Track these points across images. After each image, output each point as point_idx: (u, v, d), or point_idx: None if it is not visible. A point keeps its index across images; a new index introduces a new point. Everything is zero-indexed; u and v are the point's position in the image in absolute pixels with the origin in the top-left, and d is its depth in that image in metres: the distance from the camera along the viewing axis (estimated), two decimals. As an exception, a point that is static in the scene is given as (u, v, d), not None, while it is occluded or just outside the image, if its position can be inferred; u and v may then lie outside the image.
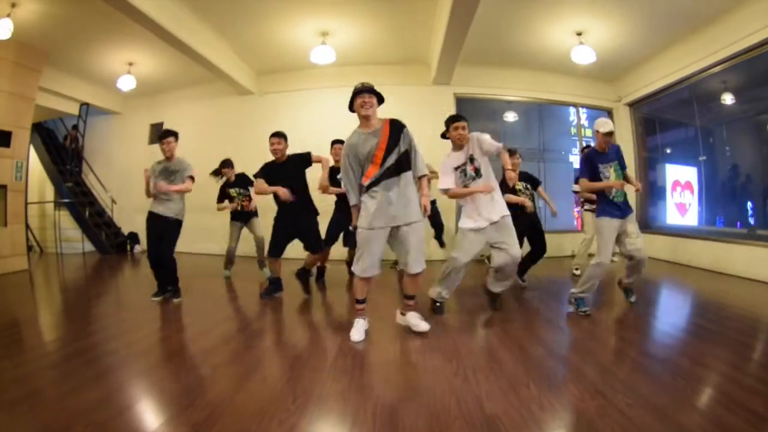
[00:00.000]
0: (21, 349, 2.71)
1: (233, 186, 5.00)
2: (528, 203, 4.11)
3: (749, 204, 5.65)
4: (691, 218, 6.34)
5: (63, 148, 8.74)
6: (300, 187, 3.85)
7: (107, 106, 8.01)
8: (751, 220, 5.52)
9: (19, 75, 5.68)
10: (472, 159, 3.19)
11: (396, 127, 2.72)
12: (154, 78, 7.01)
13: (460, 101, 6.68)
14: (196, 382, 2.20)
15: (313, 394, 2.04)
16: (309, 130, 6.29)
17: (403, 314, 3.03)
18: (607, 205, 3.29)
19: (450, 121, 3.30)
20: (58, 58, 6.23)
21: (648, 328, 3.19)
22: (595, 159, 3.29)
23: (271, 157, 3.92)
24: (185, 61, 5.77)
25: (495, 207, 3.21)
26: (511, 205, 3.58)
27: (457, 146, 3.27)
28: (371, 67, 6.42)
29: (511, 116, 7.09)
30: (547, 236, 4.33)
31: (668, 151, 6.82)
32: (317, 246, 3.98)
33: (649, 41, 5.73)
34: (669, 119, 6.71)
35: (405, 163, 2.72)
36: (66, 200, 7.87)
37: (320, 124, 6.40)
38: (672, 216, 6.48)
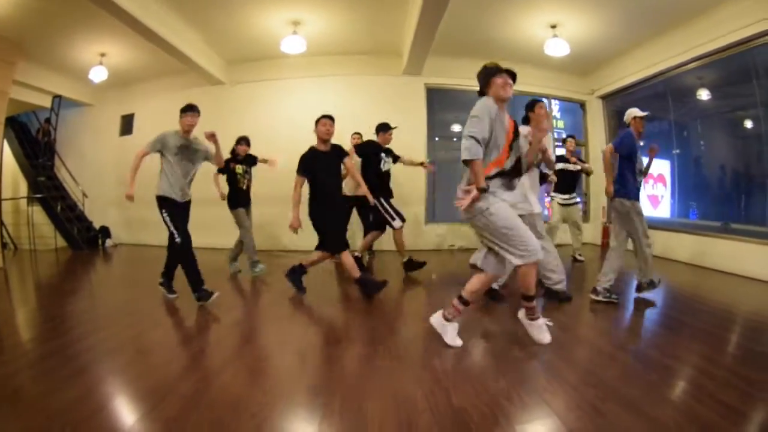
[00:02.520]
0: None
1: (241, 162, 4.70)
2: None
3: (723, 198, 5.73)
4: (664, 210, 6.40)
5: (36, 142, 8.55)
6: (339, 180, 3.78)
7: (79, 97, 7.84)
8: (724, 214, 5.58)
9: None
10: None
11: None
12: (126, 69, 6.87)
13: (431, 91, 6.67)
14: (170, 376, 2.19)
15: (283, 388, 2.04)
16: (279, 120, 6.28)
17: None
18: (634, 188, 3.46)
19: (534, 102, 3.36)
20: (31, 50, 6.09)
21: (620, 320, 3.19)
22: (635, 143, 3.48)
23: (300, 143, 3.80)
24: (156, 51, 5.66)
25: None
26: None
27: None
28: (342, 57, 6.38)
29: None
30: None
31: (641, 144, 6.86)
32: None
33: (624, 36, 5.76)
34: (650, 114, 6.76)
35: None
36: (39, 195, 7.71)
37: (290, 115, 6.35)
38: (644, 208, 6.51)
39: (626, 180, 3.45)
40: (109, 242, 7.53)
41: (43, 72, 7.00)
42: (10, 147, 8.15)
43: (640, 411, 1.73)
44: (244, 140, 4.77)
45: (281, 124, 5.79)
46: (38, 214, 7.79)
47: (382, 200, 4.49)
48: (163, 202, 3.42)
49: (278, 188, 4.79)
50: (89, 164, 7.88)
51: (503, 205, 2.35)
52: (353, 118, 6.19)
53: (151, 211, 4.99)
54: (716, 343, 2.61)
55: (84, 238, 7.50)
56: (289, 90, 6.61)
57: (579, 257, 5.51)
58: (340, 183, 3.85)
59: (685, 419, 1.67)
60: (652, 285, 3.60)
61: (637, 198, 3.48)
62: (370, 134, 4.75)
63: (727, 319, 3.16)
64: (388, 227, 4.61)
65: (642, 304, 3.57)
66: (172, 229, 3.40)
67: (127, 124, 7.82)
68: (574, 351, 2.50)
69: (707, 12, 4.88)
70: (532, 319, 2.55)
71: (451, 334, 2.51)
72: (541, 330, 2.53)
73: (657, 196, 6.47)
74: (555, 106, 7.20)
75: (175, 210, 3.42)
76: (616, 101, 6.89)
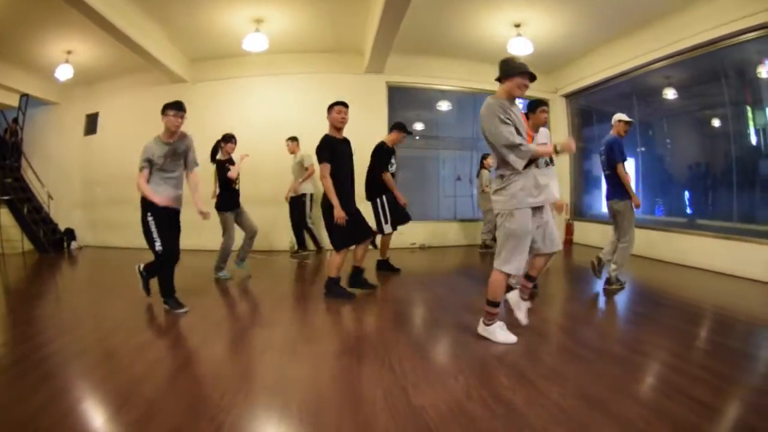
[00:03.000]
0: None
1: (232, 163, 4.50)
2: None
3: (687, 195, 5.83)
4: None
5: (3, 143, 8.37)
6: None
7: (46, 96, 7.68)
8: (690, 210, 5.69)
9: None
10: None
11: None
12: (92, 66, 6.75)
13: (392, 90, 6.68)
14: (132, 380, 2.18)
15: (240, 390, 2.02)
16: (240, 118, 6.22)
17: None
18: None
19: (538, 104, 3.52)
20: None
21: (583, 316, 3.20)
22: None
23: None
24: (121, 48, 5.57)
25: None
26: None
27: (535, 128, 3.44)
28: (304, 55, 6.37)
29: (444, 105, 7.12)
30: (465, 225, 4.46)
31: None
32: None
33: (589, 35, 5.85)
34: (607, 111, 6.87)
35: None
36: (6, 197, 7.54)
37: (252, 113, 6.33)
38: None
39: (622, 185, 3.80)
40: (74, 245, 7.38)
41: (11, 70, 6.86)
42: (-22, 149, 8.00)
43: (605, 408, 1.71)
44: (233, 138, 4.54)
45: (243, 123, 5.72)
46: (5, 216, 7.62)
47: (385, 200, 4.44)
48: (151, 207, 3.13)
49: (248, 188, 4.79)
50: (55, 165, 7.73)
51: (526, 214, 2.42)
52: (315, 116, 6.15)
53: (116, 212, 5.01)
54: (684, 338, 2.61)
55: (50, 241, 7.35)
56: (251, 88, 6.58)
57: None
58: (353, 174, 3.67)
59: (654, 416, 1.65)
60: (619, 283, 3.76)
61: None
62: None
63: (695, 314, 3.18)
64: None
65: (607, 300, 3.62)
66: (155, 236, 3.14)
67: (91, 123, 7.68)
68: (535, 348, 2.48)
69: (673, 14, 4.99)
70: (488, 324, 2.58)
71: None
72: (503, 330, 2.55)
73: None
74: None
75: (162, 215, 3.16)
76: (579, 100, 7.00)
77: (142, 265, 3.59)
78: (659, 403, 1.78)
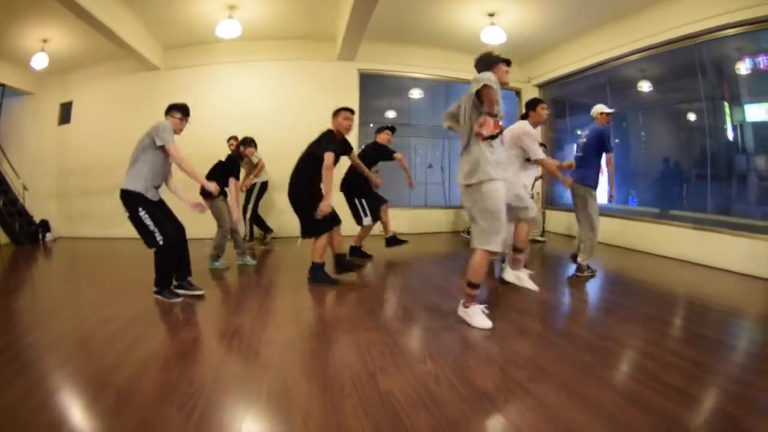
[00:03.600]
0: None
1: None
2: None
3: (662, 186, 5.93)
4: (601, 197, 6.57)
5: (-22, 135, 8.25)
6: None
7: (21, 86, 7.53)
8: (664, 202, 5.75)
9: None
10: None
11: None
12: (67, 55, 6.66)
13: (364, 77, 6.71)
14: (104, 369, 2.18)
15: (208, 377, 2.03)
16: (214, 105, 6.21)
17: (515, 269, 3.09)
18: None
19: (538, 101, 3.63)
20: None
21: (554, 303, 3.20)
22: None
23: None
24: (95, 36, 5.50)
25: None
26: None
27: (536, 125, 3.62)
28: (277, 42, 6.37)
29: (416, 93, 7.17)
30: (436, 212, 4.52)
31: (579, 132, 7.06)
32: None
33: (563, 26, 5.92)
34: (580, 102, 6.96)
35: None
36: (-21, 190, 7.44)
37: (225, 100, 6.32)
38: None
39: (599, 173, 3.99)
40: (49, 236, 7.28)
41: None
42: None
43: (573, 391, 1.72)
44: (252, 142, 4.57)
45: (216, 110, 5.72)
46: (-20, 209, 7.53)
47: (363, 201, 4.50)
48: (140, 200, 3.02)
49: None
50: (29, 156, 7.59)
51: (501, 186, 2.49)
52: (288, 102, 6.19)
53: (90, 203, 4.95)
54: (658, 326, 2.62)
55: (25, 233, 7.26)
56: (225, 75, 6.56)
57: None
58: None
59: (626, 401, 1.65)
60: (590, 270, 3.87)
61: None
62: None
63: (669, 303, 3.20)
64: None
65: (580, 288, 3.63)
66: (153, 228, 3.03)
67: (65, 113, 7.55)
68: (504, 334, 2.47)
69: (650, 7, 5.06)
70: (466, 306, 2.60)
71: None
72: (480, 315, 2.55)
73: (594, 183, 6.65)
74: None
75: (154, 206, 3.10)
76: (552, 90, 7.08)
77: (154, 288, 3.30)
78: (632, 389, 1.78)
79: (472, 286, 2.55)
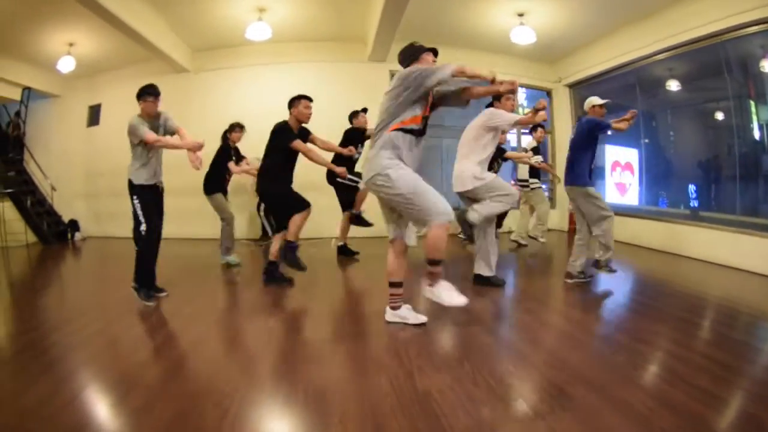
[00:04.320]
0: None
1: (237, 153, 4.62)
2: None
3: (692, 187, 5.82)
4: (632, 198, 6.50)
5: (5, 137, 8.39)
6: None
7: (48, 89, 7.68)
8: (694, 203, 5.65)
9: None
10: None
11: None
12: (94, 58, 6.77)
13: None
14: (134, 367, 2.17)
15: (245, 376, 2.02)
16: (244, 107, 6.20)
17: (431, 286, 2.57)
18: (591, 174, 3.56)
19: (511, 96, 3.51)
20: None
21: (587, 304, 3.17)
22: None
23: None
24: (123, 39, 5.56)
25: None
26: None
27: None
28: (307, 43, 6.36)
29: None
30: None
31: (609, 132, 6.95)
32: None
33: (593, 25, 5.81)
34: (611, 102, 6.84)
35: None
36: (9, 190, 7.57)
37: (255, 102, 6.30)
38: (611, 195, 6.63)
39: (588, 169, 3.58)
40: (78, 236, 7.41)
41: (13, 64, 6.87)
42: (-20, 142, 8.01)
43: (608, 394, 1.71)
44: (236, 127, 4.56)
45: (246, 112, 5.68)
46: (9, 210, 7.65)
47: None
48: (137, 189, 3.23)
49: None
50: (57, 157, 7.74)
51: (405, 171, 2.35)
52: (318, 104, 6.13)
53: (119, 203, 4.97)
54: (687, 328, 2.60)
55: (53, 233, 7.38)
56: (254, 77, 6.57)
57: (522, 242, 5.65)
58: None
59: (656, 402, 1.64)
60: (608, 268, 3.61)
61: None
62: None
63: (697, 305, 3.16)
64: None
65: (610, 290, 3.59)
66: (141, 218, 3.21)
67: (94, 115, 7.67)
68: (539, 334, 2.48)
69: (678, 3, 4.94)
70: (431, 285, 2.43)
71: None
72: (450, 292, 2.39)
73: (624, 184, 6.56)
74: (522, 94, 7.26)
75: (148, 198, 3.25)
76: (583, 90, 6.97)
77: (132, 283, 3.33)
78: (661, 389, 1.77)
79: (435, 263, 2.37)
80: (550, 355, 2.16)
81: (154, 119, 3.32)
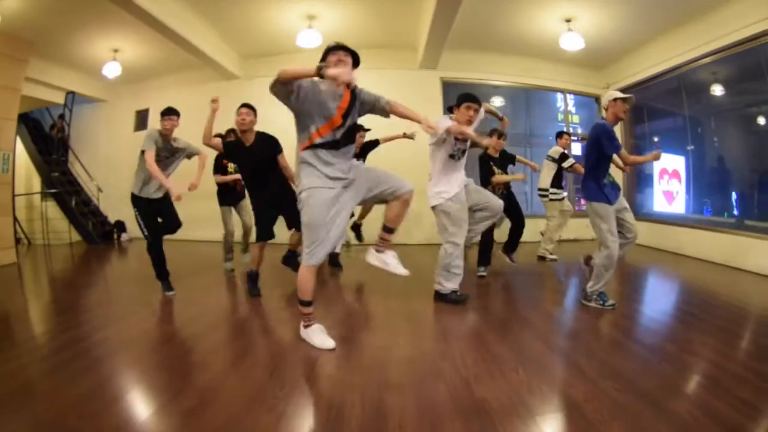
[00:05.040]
0: (10, 343, 2.66)
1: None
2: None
3: (734, 195, 5.68)
4: (679, 206, 6.36)
5: (49, 138, 8.63)
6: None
7: (93, 94, 7.91)
8: (737, 211, 5.52)
9: (5, 66, 5.53)
10: (465, 142, 3.29)
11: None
12: (140, 64, 6.91)
13: (447, 85, 6.65)
14: (186, 369, 2.19)
15: (300, 381, 2.02)
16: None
17: (380, 252, 2.59)
18: (602, 188, 3.03)
19: (464, 99, 3.32)
20: (43, 47, 6.10)
21: (635, 314, 3.17)
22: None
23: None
24: (170, 46, 5.69)
25: (461, 177, 3.33)
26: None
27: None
28: (357, 50, 6.28)
29: (498, 101, 7.06)
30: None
31: (656, 139, 6.84)
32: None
33: (639, 30, 5.71)
34: (658, 108, 6.72)
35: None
36: (53, 191, 7.79)
37: None
38: (659, 203, 6.51)
39: (595, 181, 3.07)
40: (124, 236, 7.59)
41: (56, 69, 7.06)
42: (23, 143, 8.24)
43: (656, 403, 1.74)
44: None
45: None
46: (52, 209, 7.87)
47: None
48: (136, 201, 3.51)
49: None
50: (104, 159, 7.94)
51: (321, 199, 2.27)
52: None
53: (190, 207, 5.13)
54: (730, 338, 2.59)
55: (99, 233, 7.57)
56: None
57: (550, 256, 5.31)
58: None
59: (701, 412, 1.66)
60: (598, 301, 3.14)
61: (612, 200, 3.07)
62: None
63: (741, 315, 3.13)
64: None
65: (657, 300, 3.59)
66: (141, 227, 3.52)
67: (141, 120, 7.85)
68: (589, 342, 2.51)
69: (723, 5, 4.83)
70: (307, 326, 2.44)
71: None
72: (321, 335, 2.41)
73: (672, 192, 6.43)
74: (570, 101, 7.17)
75: (147, 209, 3.52)
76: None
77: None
78: (705, 400, 1.79)
79: (303, 304, 2.39)
80: (601, 364, 2.17)
81: (170, 139, 3.57)
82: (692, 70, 5.69)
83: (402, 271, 2.51)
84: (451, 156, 3.24)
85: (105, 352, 2.42)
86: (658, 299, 3.70)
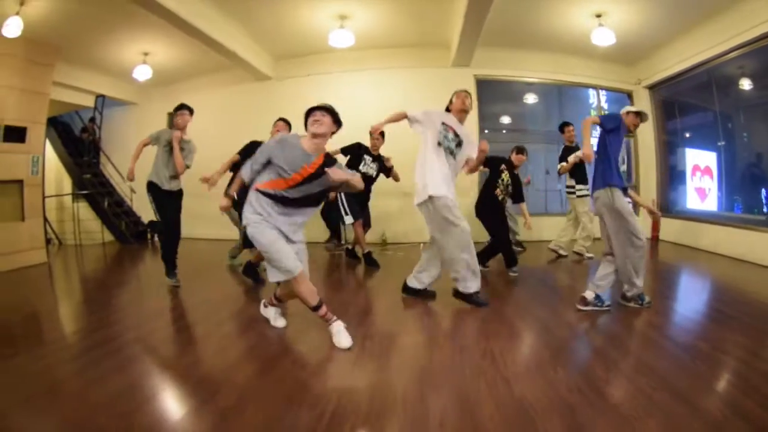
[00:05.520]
0: (40, 342, 2.68)
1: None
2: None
3: (764, 192, 5.58)
4: (711, 203, 6.28)
5: (80, 141, 8.83)
6: None
7: (123, 96, 8.07)
8: (766, 208, 5.44)
9: (31, 71, 5.61)
10: (457, 135, 3.22)
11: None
12: (171, 67, 7.03)
13: (481, 83, 6.65)
14: (223, 368, 2.18)
15: (340, 379, 2.04)
16: None
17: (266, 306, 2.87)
18: (618, 176, 2.96)
19: (459, 91, 3.37)
20: (71, 52, 6.23)
21: (668, 311, 3.17)
22: (623, 128, 3.05)
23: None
24: (201, 48, 5.78)
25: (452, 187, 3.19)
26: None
27: (460, 114, 3.31)
28: (390, 50, 6.41)
29: (531, 98, 7.07)
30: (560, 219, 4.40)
31: (687, 135, 6.75)
32: None
33: (668, 24, 5.64)
34: (688, 103, 6.63)
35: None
36: (83, 192, 7.97)
37: (339, 108, 6.30)
38: (692, 201, 6.43)
39: (609, 168, 3.01)
40: (158, 236, 7.72)
41: (85, 73, 7.21)
42: (53, 146, 8.46)
43: (690, 401, 1.75)
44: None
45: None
46: (84, 210, 8.06)
47: (341, 195, 4.69)
48: (150, 186, 3.91)
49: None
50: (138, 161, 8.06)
51: (262, 227, 2.36)
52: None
53: (200, 205, 5.23)
54: (762, 337, 2.58)
55: (132, 233, 7.72)
56: (337, 84, 6.67)
57: (561, 252, 5.25)
58: None
59: (732, 411, 1.67)
60: (639, 301, 3.10)
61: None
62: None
63: None
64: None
65: (689, 297, 3.59)
66: (154, 210, 3.89)
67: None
68: (624, 340, 2.53)
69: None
70: (330, 324, 2.48)
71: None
72: (339, 334, 2.43)
73: (704, 189, 6.34)
74: (602, 97, 7.11)
75: (159, 195, 3.89)
76: (662, 91, 6.76)
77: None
78: (736, 398, 1.80)
79: (315, 308, 2.45)
80: (637, 361, 2.21)
81: (181, 133, 3.98)
82: (722, 64, 5.60)
83: (280, 323, 2.75)
84: (439, 144, 3.15)
85: (137, 352, 2.41)
86: (690, 297, 3.70)
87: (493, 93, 6.90)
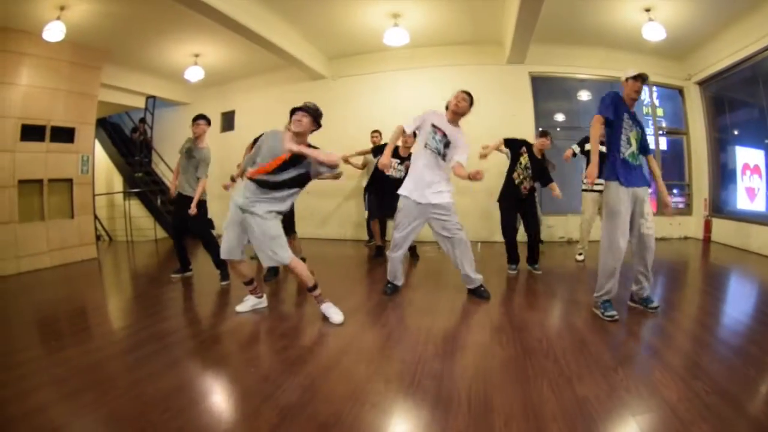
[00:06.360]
0: (89, 337, 2.70)
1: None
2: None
3: None
4: (760, 204, 6.14)
5: (130, 141, 9.21)
6: None
7: (175, 97, 8.33)
8: None
9: (78, 74, 5.73)
10: (445, 135, 3.31)
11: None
12: (222, 67, 7.20)
13: (535, 80, 6.64)
14: (284, 365, 2.19)
15: (405, 377, 2.03)
16: (383, 112, 6.43)
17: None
18: (620, 166, 2.82)
19: (458, 92, 3.44)
20: (119, 54, 6.35)
21: (719, 314, 3.16)
22: (621, 105, 2.87)
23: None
24: (253, 48, 5.88)
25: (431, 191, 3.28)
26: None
27: (452, 116, 3.38)
28: (444, 48, 6.47)
29: (584, 95, 7.00)
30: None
31: (736, 132, 6.64)
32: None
33: (716, 15, 5.54)
34: (735, 98, 6.52)
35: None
36: (134, 190, 8.30)
37: (394, 106, 6.46)
38: (742, 201, 6.29)
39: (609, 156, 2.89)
40: (212, 233, 7.96)
41: (135, 75, 7.44)
42: (103, 146, 8.81)
43: (740, 406, 1.76)
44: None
45: (384, 117, 5.89)
46: (135, 207, 8.37)
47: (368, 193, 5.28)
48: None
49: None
50: (188, 160, 8.35)
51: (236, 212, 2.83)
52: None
53: None
54: None
55: (186, 230, 7.99)
56: (392, 82, 6.77)
57: (579, 257, 5.04)
58: None
59: None
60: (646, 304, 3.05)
61: (631, 183, 2.83)
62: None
63: None
64: None
65: (739, 300, 3.55)
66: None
67: (227, 121, 8.21)
68: (680, 342, 2.51)
69: None
70: (320, 303, 2.91)
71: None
72: (329, 309, 2.88)
73: (754, 188, 6.20)
74: (654, 93, 7.06)
75: (174, 200, 4.36)
76: (711, 87, 6.67)
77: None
78: None
79: (310, 289, 2.88)
80: (692, 364, 2.20)
81: (198, 144, 4.20)
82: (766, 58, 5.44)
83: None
84: (426, 146, 3.31)
85: (191, 348, 2.41)
86: (740, 300, 3.67)
87: (546, 90, 6.87)
